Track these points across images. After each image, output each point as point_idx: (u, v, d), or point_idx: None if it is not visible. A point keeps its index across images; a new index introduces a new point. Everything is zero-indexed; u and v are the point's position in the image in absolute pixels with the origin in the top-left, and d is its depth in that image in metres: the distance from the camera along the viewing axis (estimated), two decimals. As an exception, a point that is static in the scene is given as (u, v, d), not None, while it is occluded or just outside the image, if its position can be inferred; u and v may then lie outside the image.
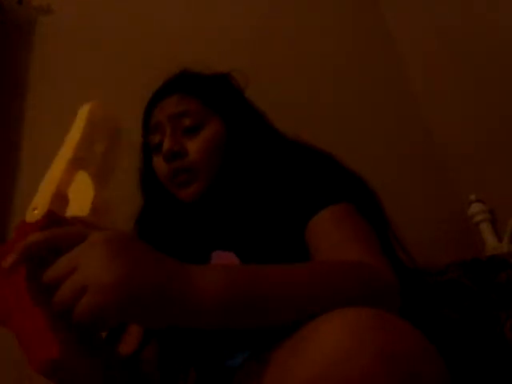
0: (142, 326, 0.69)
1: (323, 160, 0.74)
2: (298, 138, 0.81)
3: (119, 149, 0.53)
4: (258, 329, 0.45)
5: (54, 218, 0.44)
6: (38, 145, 1.14)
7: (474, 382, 0.76)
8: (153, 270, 0.39)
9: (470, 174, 1.30)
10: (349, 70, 1.41)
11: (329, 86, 1.36)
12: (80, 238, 0.40)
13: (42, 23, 1.28)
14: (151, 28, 1.32)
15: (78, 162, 0.48)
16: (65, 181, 0.47)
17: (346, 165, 0.74)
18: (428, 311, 0.82)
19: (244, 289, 0.42)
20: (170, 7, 1.36)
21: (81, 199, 0.45)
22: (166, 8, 1.36)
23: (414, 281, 0.78)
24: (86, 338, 0.40)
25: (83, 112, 0.53)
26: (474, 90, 1.26)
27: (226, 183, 0.75)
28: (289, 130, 0.85)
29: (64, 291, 0.38)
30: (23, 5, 1.24)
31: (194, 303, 0.39)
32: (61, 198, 0.46)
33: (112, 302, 0.37)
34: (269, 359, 0.42)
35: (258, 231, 0.70)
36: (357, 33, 1.47)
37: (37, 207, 0.45)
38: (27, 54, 1.25)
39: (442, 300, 0.89)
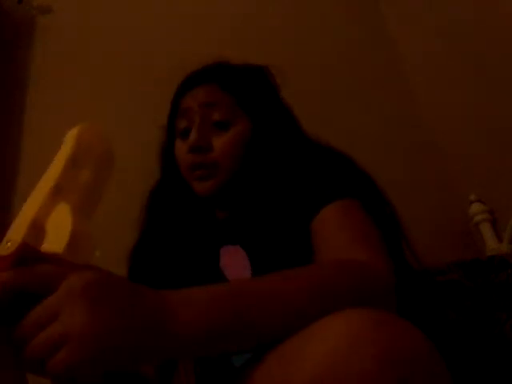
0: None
1: (333, 158, 0.74)
2: (327, 142, 0.80)
3: (109, 175, 0.49)
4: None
5: (28, 251, 0.40)
6: (38, 145, 1.14)
7: (475, 382, 0.76)
8: (129, 320, 0.39)
9: (470, 174, 1.29)
10: (349, 69, 1.41)
11: (328, 86, 1.36)
12: (54, 281, 0.39)
13: (41, 23, 1.28)
14: (151, 27, 1.32)
15: (59, 192, 0.43)
16: (43, 212, 0.42)
17: (359, 165, 0.74)
18: (432, 312, 0.82)
19: (229, 318, 0.42)
20: (170, 7, 1.36)
21: (58, 234, 0.41)
22: (166, 7, 1.36)
23: (419, 281, 0.78)
24: None
25: (70, 136, 0.48)
26: (474, 90, 1.26)
27: (242, 182, 0.75)
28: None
29: (40, 342, 0.37)
30: (23, 4, 1.24)
31: (172, 340, 0.40)
32: (37, 229, 0.41)
33: (93, 355, 0.36)
34: (269, 360, 0.42)
35: (266, 227, 0.71)
36: (357, 33, 1.47)
37: (10, 240, 0.40)
38: (27, 54, 1.25)
39: (443, 300, 0.89)
